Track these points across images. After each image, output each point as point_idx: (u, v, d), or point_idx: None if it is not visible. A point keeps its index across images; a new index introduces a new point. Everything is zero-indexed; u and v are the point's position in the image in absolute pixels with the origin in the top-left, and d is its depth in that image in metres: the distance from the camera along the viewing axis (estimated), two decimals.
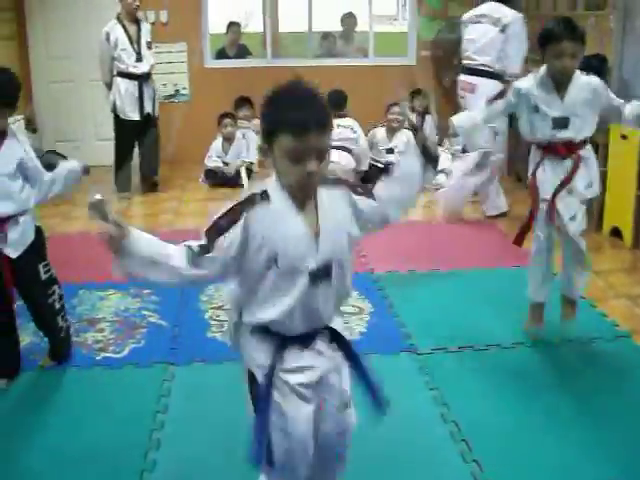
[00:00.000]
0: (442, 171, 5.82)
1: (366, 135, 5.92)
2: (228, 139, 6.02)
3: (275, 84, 1.56)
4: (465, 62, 4.83)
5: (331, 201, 1.62)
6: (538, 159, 2.86)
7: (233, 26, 7.00)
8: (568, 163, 2.79)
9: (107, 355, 2.96)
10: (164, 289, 3.38)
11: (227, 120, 5.98)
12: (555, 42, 2.67)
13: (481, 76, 4.64)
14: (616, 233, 4.37)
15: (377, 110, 5.97)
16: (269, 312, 1.60)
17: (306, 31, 7.00)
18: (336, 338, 1.70)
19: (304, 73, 1.84)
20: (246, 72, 6.53)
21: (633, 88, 4.56)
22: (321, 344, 1.67)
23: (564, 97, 2.75)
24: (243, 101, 6.30)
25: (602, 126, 2.88)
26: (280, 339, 1.63)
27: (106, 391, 2.68)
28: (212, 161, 5.98)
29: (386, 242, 4.41)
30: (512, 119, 3.91)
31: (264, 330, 1.64)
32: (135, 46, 5.47)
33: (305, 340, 1.65)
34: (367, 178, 5.80)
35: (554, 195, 2.81)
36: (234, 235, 1.53)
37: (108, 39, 5.41)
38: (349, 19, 7.22)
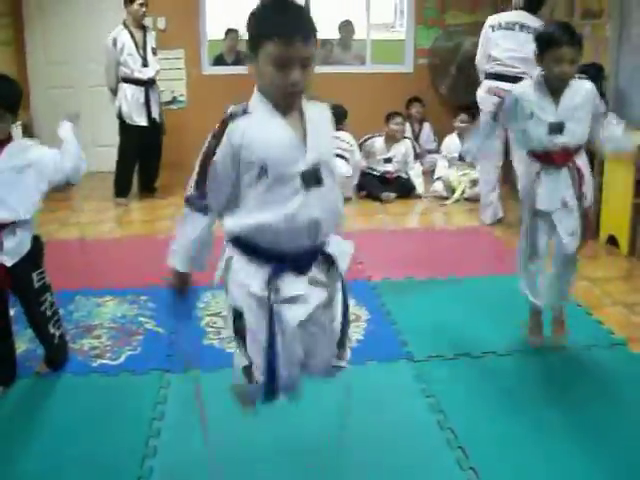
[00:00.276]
0: (439, 179, 5.86)
1: (365, 141, 5.94)
2: None
3: None
4: (500, 69, 4.67)
5: (316, 114, 1.69)
6: (534, 172, 2.82)
7: (231, 33, 7.02)
8: (565, 173, 2.78)
9: (103, 362, 2.95)
10: (161, 296, 3.36)
11: None
12: (555, 47, 2.62)
13: None
14: (612, 241, 4.38)
15: (374, 117, 5.98)
16: (265, 215, 1.61)
17: None
18: (332, 264, 1.71)
19: None
20: (244, 79, 6.50)
21: (629, 97, 4.58)
22: (316, 271, 1.68)
23: (559, 102, 2.73)
24: None
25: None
26: (275, 263, 1.63)
27: (102, 398, 2.67)
28: None
29: (383, 249, 4.43)
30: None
31: (258, 252, 1.64)
32: (141, 52, 5.49)
33: (300, 265, 1.65)
34: (363, 186, 5.82)
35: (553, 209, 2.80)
36: (222, 153, 1.61)
37: (115, 44, 5.43)
38: (347, 27, 7.25)
